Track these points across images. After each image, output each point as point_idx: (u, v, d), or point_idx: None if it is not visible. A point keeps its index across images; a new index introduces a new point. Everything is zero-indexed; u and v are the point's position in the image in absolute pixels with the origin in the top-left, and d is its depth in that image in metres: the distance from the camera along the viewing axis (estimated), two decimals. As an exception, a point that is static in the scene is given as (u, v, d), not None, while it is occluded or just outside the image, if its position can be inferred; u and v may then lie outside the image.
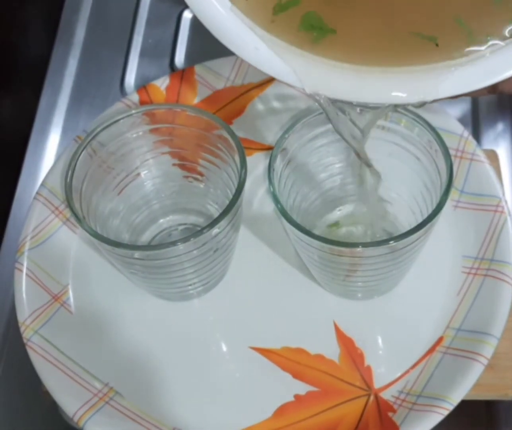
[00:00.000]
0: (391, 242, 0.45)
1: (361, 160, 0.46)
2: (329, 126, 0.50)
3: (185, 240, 0.46)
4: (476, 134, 0.65)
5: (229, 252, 0.51)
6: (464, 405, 0.47)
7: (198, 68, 0.60)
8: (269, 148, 0.58)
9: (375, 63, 0.38)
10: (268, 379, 0.50)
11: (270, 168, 0.48)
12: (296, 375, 0.50)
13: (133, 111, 0.51)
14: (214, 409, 0.49)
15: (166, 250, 0.46)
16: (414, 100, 0.38)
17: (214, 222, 0.46)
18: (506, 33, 0.38)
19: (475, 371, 0.47)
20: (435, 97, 0.37)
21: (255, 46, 0.39)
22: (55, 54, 0.73)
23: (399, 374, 0.49)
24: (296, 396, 0.49)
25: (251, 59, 0.39)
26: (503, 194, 0.54)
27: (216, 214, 0.51)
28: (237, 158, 0.49)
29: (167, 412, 0.49)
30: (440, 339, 0.50)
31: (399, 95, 0.38)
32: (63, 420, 0.52)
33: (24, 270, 0.52)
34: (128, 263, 0.48)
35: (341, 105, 0.42)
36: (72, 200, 0.48)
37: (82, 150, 0.49)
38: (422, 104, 0.40)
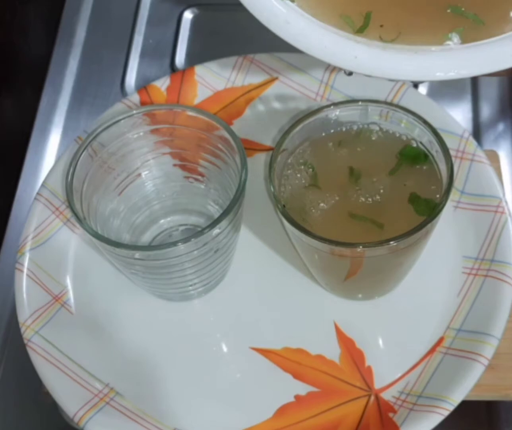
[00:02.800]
0: (392, 242, 0.45)
1: None
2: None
3: (185, 240, 0.46)
4: (477, 134, 0.65)
5: (230, 252, 0.52)
6: (465, 405, 0.47)
7: (198, 69, 0.61)
8: (270, 149, 0.58)
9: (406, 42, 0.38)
10: (269, 380, 0.50)
11: (270, 168, 0.48)
12: (297, 376, 0.50)
13: (134, 112, 0.51)
14: (215, 410, 0.49)
15: (166, 250, 0.46)
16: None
17: (214, 222, 0.46)
18: None
19: (476, 371, 0.47)
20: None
21: (285, 19, 0.39)
22: (55, 54, 0.73)
23: (399, 375, 0.50)
24: (297, 397, 0.49)
25: (281, 32, 0.39)
26: (504, 194, 0.54)
27: (216, 215, 0.52)
28: (237, 159, 0.49)
29: (168, 412, 0.49)
30: (440, 340, 0.50)
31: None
32: (63, 420, 0.52)
33: (25, 270, 0.52)
34: (129, 263, 0.48)
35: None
36: (73, 201, 0.48)
37: (83, 151, 0.49)
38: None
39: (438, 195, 0.48)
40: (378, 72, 0.38)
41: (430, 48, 0.38)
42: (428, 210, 0.47)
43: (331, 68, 0.59)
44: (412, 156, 0.49)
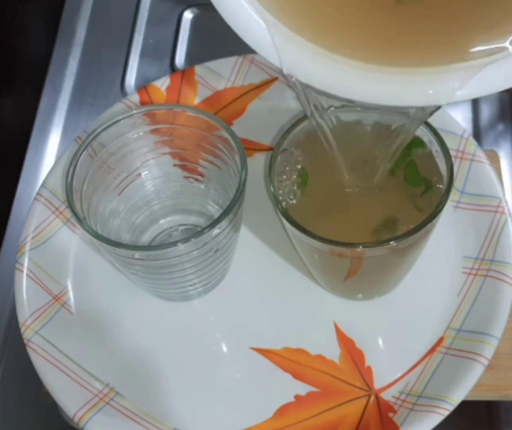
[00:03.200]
0: (392, 242, 0.45)
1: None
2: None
3: (185, 240, 0.46)
4: (477, 134, 0.65)
5: (230, 252, 0.52)
6: (465, 405, 0.47)
7: (198, 69, 0.61)
8: (270, 149, 0.58)
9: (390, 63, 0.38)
10: (269, 380, 0.50)
11: (270, 169, 0.48)
12: (297, 376, 0.50)
13: (134, 112, 0.51)
14: (215, 410, 0.49)
15: (166, 250, 0.46)
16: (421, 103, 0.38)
17: (214, 222, 0.46)
18: None
19: (476, 371, 0.47)
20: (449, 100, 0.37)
21: (279, 47, 0.39)
22: (55, 54, 0.73)
23: (399, 375, 0.49)
24: (297, 397, 0.49)
25: (274, 60, 0.39)
26: (504, 195, 0.54)
27: (216, 215, 0.52)
28: (237, 159, 0.49)
29: (168, 412, 0.49)
30: (440, 340, 0.50)
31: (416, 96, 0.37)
32: (63, 420, 0.52)
33: (25, 270, 0.52)
34: (129, 263, 0.48)
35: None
36: (73, 201, 0.48)
37: (83, 151, 0.49)
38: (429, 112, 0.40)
39: (437, 181, 0.48)
40: (379, 100, 0.38)
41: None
42: (421, 183, 0.47)
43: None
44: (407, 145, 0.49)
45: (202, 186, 0.54)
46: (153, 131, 0.52)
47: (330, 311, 0.52)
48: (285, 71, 0.39)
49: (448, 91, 0.37)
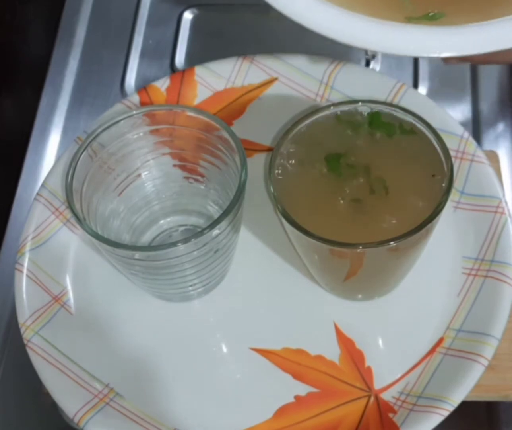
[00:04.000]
0: (392, 243, 0.45)
1: None
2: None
3: (185, 240, 0.46)
4: (477, 135, 0.65)
5: (230, 252, 0.52)
6: (465, 406, 0.47)
7: (198, 69, 0.61)
8: (269, 149, 0.58)
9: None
10: (269, 380, 0.50)
11: (270, 169, 0.48)
12: (297, 376, 0.50)
13: (134, 112, 0.51)
14: (215, 410, 0.49)
15: (166, 250, 0.46)
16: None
17: (214, 223, 0.46)
18: None
19: (476, 372, 0.47)
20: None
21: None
22: (55, 54, 0.73)
23: (399, 375, 0.50)
24: (297, 397, 0.49)
25: (286, 10, 0.38)
26: (504, 195, 0.54)
27: (216, 215, 0.52)
28: (237, 159, 0.49)
29: (168, 412, 0.49)
30: (440, 340, 0.50)
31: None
32: (63, 420, 0.52)
33: (25, 271, 0.52)
34: (129, 263, 0.48)
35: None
36: (73, 201, 0.48)
37: (83, 151, 0.49)
38: None
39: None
40: (382, 48, 0.38)
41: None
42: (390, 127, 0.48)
43: (331, 69, 0.59)
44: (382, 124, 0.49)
45: (202, 187, 0.54)
46: (153, 132, 0.52)
47: (330, 311, 0.52)
48: (307, 26, 0.39)
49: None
